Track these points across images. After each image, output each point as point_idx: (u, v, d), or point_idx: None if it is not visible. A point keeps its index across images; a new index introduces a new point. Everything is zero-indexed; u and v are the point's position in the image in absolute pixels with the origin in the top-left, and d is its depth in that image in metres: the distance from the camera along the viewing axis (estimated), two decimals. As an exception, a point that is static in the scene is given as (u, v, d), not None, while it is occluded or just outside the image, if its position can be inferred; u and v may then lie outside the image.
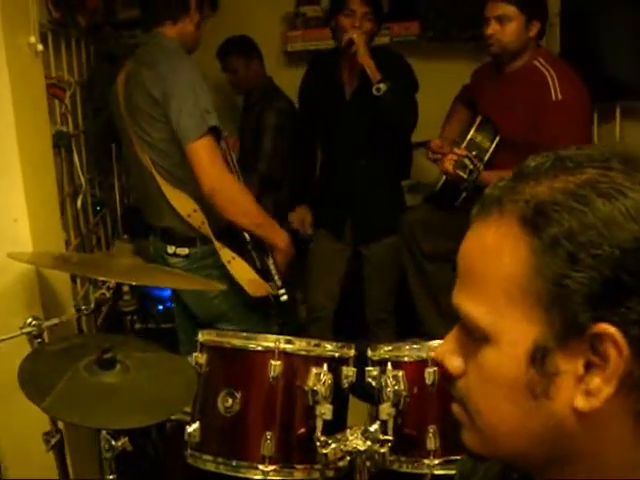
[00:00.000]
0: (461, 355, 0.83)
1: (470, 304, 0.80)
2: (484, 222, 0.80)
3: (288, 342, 1.98)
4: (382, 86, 3.21)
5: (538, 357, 0.75)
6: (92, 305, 2.06)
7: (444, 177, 3.39)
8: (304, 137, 3.85)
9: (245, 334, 2.03)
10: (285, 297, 2.70)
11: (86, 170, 3.28)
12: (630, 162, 0.76)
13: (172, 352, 2.08)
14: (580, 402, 0.74)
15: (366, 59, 3.26)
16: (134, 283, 2.14)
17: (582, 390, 0.74)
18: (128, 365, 1.78)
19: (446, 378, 0.85)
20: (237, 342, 2.00)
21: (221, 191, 2.54)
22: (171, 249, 2.73)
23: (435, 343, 2.07)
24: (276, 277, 2.69)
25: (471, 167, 2.94)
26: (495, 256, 0.78)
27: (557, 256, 0.73)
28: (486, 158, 3.27)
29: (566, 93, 2.97)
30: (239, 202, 2.62)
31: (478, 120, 3.35)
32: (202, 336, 2.04)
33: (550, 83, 3.00)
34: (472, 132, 3.33)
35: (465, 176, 2.94)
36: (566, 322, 0.73)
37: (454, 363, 0.84)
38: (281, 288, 2.69)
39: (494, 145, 3.26)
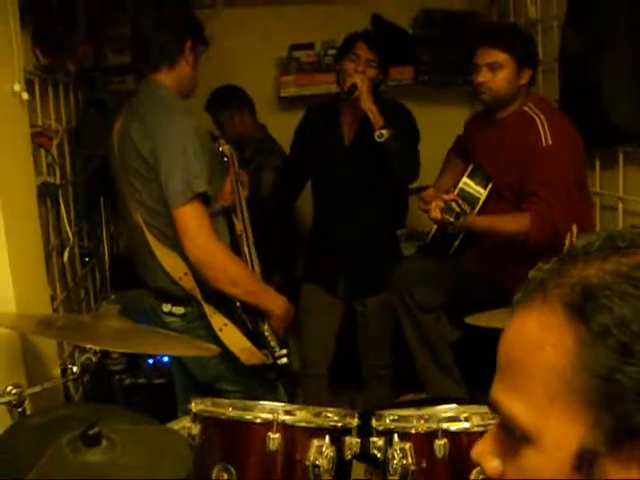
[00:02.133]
0: (500, 455, 0.75)
1: (510, 401, 0.71)
2: (527, 309, 0.72)
3: (287, 413, 1.84)
4: (385, 132, 3.17)
5: (585, 462, 0.66)
6: (78, 370, 1.92)
7: (435, 226, 3.31)
8: (295, 189, 3.77)
9: (242, 403, 1.88)
10: (284, 360, 2.53)
11: (74, 221, 3.16)
12: None
13: (166, 410, 1.93)
14: None
15: (369, 104, 3.21)
16: (123, 350, 2.01)
17: None
18: (115, 440, 1.63)
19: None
20: (233, 413, 1.85)
21: (208, 260, 2.40)
22: (167, 307, 2.59)
23: (442, 409, 1.95)
24: (272, 343, 2.52)
25: (458, 210, 2.86)
26: (537, 347, 0.69)
27: (607, 347, 0.65)
28: (479, 205, 3.19)
29: (556, 138, 2.91)
30: (228, 271, 2.46)
31: (470, 168, 3.28)
32: (195, 406, 1.89)
33: (540, 128, 2.94)
34: (464, 179, 3.27)
35: (451, 219, 2.85)
36: (617, 423, 0.64)
37: (492, 465, 0.75)
38: (279, 352, 2.53)
39: (487, 192, 3.18)
